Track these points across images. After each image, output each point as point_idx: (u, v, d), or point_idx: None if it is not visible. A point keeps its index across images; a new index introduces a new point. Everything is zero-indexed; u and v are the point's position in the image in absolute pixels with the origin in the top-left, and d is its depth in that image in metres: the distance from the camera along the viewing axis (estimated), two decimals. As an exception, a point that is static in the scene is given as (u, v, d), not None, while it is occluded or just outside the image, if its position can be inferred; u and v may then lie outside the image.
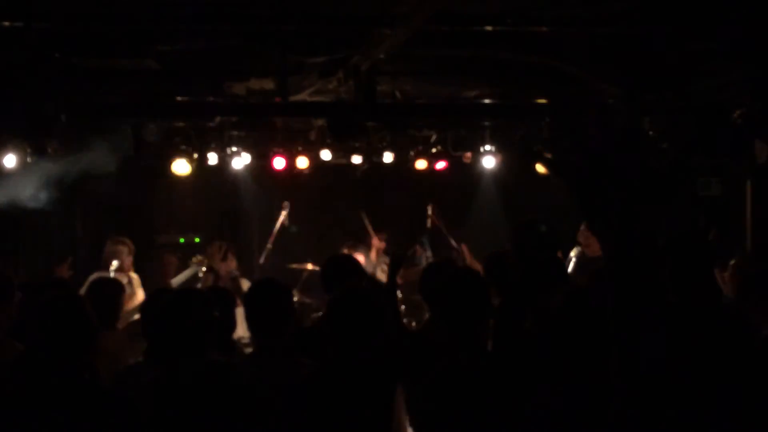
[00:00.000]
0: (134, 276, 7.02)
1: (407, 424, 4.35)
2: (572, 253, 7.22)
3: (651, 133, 7.38)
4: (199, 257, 7.22)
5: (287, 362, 3.87)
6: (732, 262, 5.17)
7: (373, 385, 3.64)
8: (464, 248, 7.39)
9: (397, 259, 4.90)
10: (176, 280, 6.97)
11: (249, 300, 4.04)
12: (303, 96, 6.65)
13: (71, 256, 7.09)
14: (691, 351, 3.02)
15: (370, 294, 3.86)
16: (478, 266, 6.91)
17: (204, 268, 7.00)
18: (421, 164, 9.10)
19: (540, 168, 8.26)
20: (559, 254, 6.74)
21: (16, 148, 7.19)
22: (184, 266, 7.40)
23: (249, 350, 4.63)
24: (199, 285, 6.73)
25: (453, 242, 8.35)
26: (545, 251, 4.55)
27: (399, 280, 6.97)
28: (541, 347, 3.12)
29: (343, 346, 3.62)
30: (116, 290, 5.27)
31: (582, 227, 7.06)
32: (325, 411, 3.56)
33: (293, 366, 3.81)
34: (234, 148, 8.82)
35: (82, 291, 5.59)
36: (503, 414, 2.68)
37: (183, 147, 8.34)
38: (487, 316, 3.99)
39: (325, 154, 8.66)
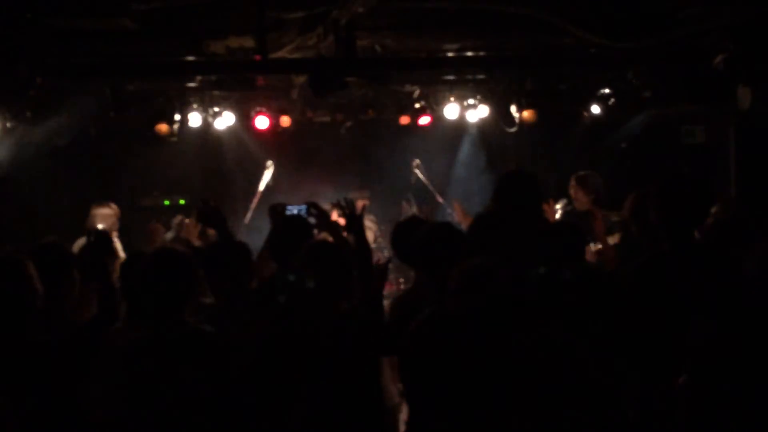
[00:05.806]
0: (116, 241, 6.95)
1: (395, 392, 4.35)
2: (558, 205, 7.20)
3: (634, 81, 7.35)
4: (180, 217, 7.15)
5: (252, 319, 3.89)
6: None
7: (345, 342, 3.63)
8: (456, 205, 7.32)
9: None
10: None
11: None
12: (283, 53, 6.57)
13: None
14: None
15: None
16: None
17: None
18: (404, 120, 9.04)
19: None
20: (545, 206, 6.76)
21: (-6, 114, 7.09)
22: (168, 229, 7.35)
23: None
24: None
25: (438, 197, 8.33)
26: (528, 200, 4.52)
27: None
28: None
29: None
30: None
31: (572, 181, 7.01)
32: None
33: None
34: (216, 109, 8.75)
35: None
36: (486, 358, 2.69)
37: (164, 108, 8.25)
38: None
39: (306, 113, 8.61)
